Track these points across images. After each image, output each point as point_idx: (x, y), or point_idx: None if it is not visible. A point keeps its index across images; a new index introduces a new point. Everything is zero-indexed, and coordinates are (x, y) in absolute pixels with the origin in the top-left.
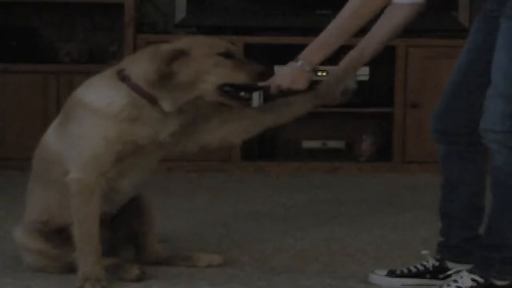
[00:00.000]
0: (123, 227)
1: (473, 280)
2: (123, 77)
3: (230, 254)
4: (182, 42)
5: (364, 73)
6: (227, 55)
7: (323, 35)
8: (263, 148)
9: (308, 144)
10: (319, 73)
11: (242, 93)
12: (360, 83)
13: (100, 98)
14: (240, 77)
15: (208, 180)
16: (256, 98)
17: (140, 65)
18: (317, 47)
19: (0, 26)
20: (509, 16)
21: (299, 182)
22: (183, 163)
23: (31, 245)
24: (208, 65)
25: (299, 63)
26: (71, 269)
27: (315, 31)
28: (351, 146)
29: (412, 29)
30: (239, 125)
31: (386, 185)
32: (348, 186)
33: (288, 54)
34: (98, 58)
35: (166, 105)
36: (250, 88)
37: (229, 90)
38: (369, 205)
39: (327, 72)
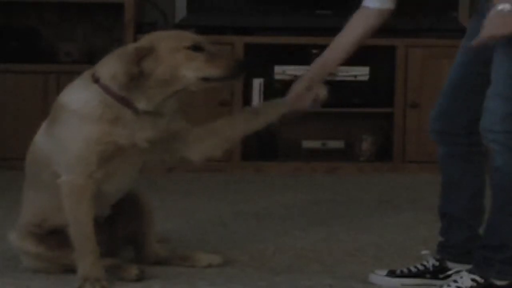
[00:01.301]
0: (123, 228)
1: (473, 280)
2: (96, 79)
3: (230, 254)
4: (147, 39)
5: (364, 73)
6: (195, 47)
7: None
8: (263, 148)
9: (308, 144)
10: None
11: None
12: (360, 83)
13: (76, 100)
14: (215, 71)
15: (208, 180)
16: (256, 96)
17: (109, 67)
18: None
19: (0, 26)
20: None
21: (299, 182)
22: (183, 163)
23: (26, 248)
24: (178, 59)
25: (501, 7)
26: (69, 270)
27: (315, 31)
28: (351, 146)
29: (412, 29)
30: (218, 138)
31: (386, 185)
32: (348, 186)
33: (288, 54)
34: (98, 58)
35: (142, 104)
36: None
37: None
38: (369, 205)
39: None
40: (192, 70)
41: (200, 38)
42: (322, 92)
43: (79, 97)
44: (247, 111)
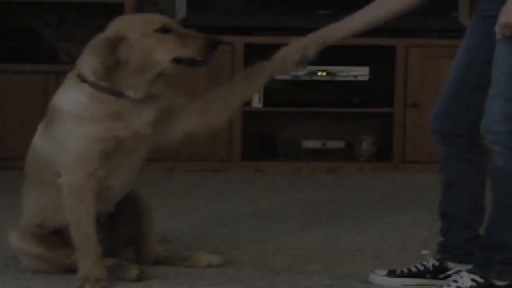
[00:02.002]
0: (123, 228)
1: (473, 280)
2: (83, 78)
3: (230, 254)
4: (115, 26)
5: (364, 73)
6: (164, 30)
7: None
8: (263, 148)
9: (308, 144)
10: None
11: (197, 58)
12: (360, 83)
13: (68, 101)
14: (186, 50)
15: (208, 180)
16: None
17: (86, 61)
18: None
19: (0, 26)
20: None
21: (299, 182)
22: (183, 163)
23: (26, 248)
24: (150, 44)
25: None
26: (70, 270)
27: (315, 31)
28: (351, 146)
29: (412, 29)
30: (219, 106)
31: (386, 185)
32: (348, 186)
33: None
34: None
35: (132, 93)
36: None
37: (183, 59)
38: (369, 205)
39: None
40: (164, 53)
41: (167, 19)
42: (310, 55)
43: (70, 98)
44: (241, 76)
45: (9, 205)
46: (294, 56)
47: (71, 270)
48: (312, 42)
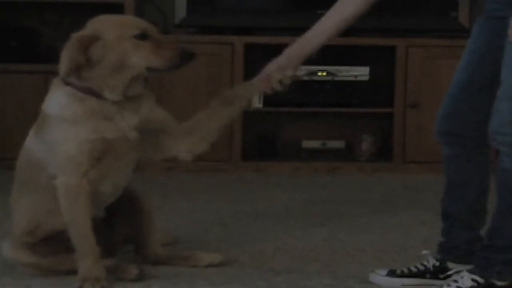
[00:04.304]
0: (123, 228)
1: (473, 280)
2: (66, 82)
3: (230, 254)
4: (93, 26)
5: (364, 73)
6: (143, 36)
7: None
8: (263, 148)
9: (308, 144)
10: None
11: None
12: (360, 83)
13: (54, 105)
14: (159, 61)
15: (208, 180)
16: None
17: (62, 60)
18: None
19: (0, 26)
20: None
21: (299, 182)
22: (183, 163)
23: (20, 258)
24: (125, 48)
25: None
26: (68, 273)
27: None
28: (351, 146)
29: (412, 29)
30: (201, 132)
31: (386, 185)
32: (348, 186)
33: None
34: None
35: (110, 94)
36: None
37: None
38: (369, 205)
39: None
40: (138, 59)
41: (146, 24)
42: (289, 73)
43: (55, 101)
44: (221, 100)
45: (9, 205)
46: (274, 76)
47: (70, 273)
48: (289, 59)
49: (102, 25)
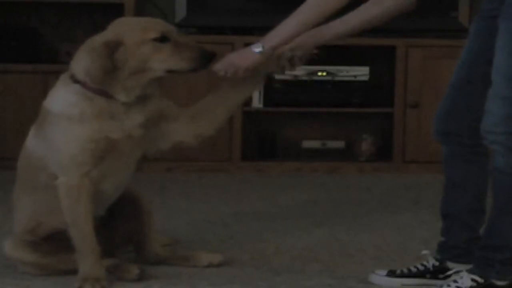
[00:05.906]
0: (123, 228)
1: (473, 280)
2: (75, 80)
3: (230, 254)
4: (114, 30)
5: (364, 73)
6: (163, 39)
7: (285, 21)
8: (263, 148)
9: (308, 144)
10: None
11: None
12: (360, 83)
13: (59, 103)
14: (180, 64)
15: (208, 180)
16: (257, 96)
17: (81, 62)
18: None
19: (0, 26)
20: (507, 16)
21: (299, 182)
22: (183, 163)
23: (21, 257)
24: (146, 52)
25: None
26: (68, 273)
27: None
28: (351, 146)
29: (412, 29)
30: (208, 117)
31: (386, 185)
32: (348, 186)
33: None
34: None
35: (121, 96)
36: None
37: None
38: (369, 205)
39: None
40: (158, 63)
41: (167, 27)
42: (300, 54)
43: (61, 99)
44: (228, 85)
45: (9, 205)
46: (285, 53)
47: (71, 272)
48: (305, 41)
49: (123, 29)
